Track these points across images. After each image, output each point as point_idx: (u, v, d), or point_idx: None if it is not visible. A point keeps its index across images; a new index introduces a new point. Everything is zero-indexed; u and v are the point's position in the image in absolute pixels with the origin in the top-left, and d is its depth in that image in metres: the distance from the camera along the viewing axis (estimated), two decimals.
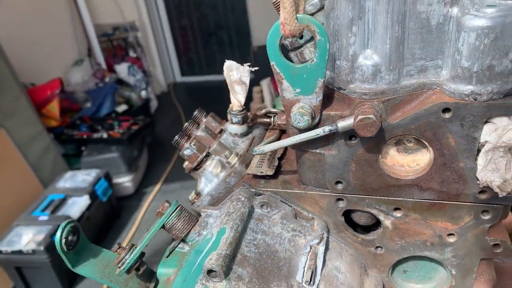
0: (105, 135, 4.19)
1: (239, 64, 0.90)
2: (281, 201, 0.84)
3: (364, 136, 0.69)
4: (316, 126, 0.75)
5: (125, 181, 4.13)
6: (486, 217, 0.76)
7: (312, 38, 0.71)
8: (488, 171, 0.70)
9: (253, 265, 0.72)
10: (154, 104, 6.00)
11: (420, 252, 0.83)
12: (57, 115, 4.09)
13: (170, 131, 5.63)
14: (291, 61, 0.73)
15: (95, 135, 4.20)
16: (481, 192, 0.74)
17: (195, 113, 1.02)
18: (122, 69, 5.53)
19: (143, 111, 5.27)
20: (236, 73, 0.88)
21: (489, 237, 0.78)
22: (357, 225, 0.88)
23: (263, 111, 1.07)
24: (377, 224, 0.85)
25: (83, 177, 3.54)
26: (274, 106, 1.76)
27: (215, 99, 6.40)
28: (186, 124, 1.00)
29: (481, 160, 0.70)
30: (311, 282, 0.74)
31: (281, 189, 0.84)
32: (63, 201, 3.17)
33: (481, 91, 0.66)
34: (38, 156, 3.54)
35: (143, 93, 5.63)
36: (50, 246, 2.68)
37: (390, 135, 0.73)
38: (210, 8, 6.41)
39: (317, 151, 0.78)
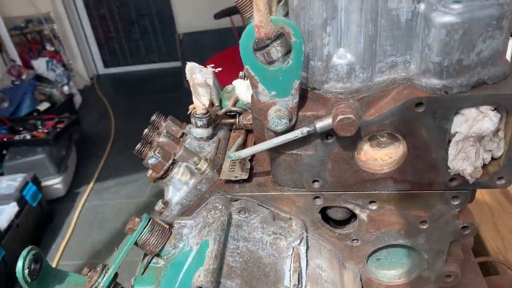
0: (28, 136, 3.92)
1: (201, 66, 0.86)
2: (258, 204, 0.82)
3: (343, 136, 0.69)
4: (292, 128, 0.74)
5: (55, 183, 3.92)
6: (456, 202, 0.80)
7: (278, 37, 0.69)
8: (459, 160, 0.73)
9: (240, 276, 0.71)
10: (78, 99, 5.69)
11: (395, 241, 0.86)
12: None
13: (97, 126, 5.40)
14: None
15: (17, 137, 3.92)
16: (452, 179, 0.77)
17: (153, 118, 0.97)
18: (40, 64, 5.17)
19: (67, 108, 4.99)
20: (200, 76, 0.85)
21: (458, 220, 0.82)
22: (330, 219, 0.89)
23: (223, 110, 1.04)
24: (351, 217, 0.87)
25: (8, 183, 3.30)
26: (220, 101, 1.72)
27: (142, 90, 6.24)
28: (145, 130, 0.94)
29: (452, 150, 0.73)
30: (299, 285, 0.74)
31: (257, 193, 0.83)
32: None
33: (452, 85, 0.68)
34: None
35: (65, 88, 5.32)
36: None
37: (366, 132, 0.73)
38: None
39: (294, 152, 0.77)
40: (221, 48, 4.46)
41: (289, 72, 0.68)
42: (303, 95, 0.74)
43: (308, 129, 0.72)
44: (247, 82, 1.27)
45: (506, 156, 0.74)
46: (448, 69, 0.67)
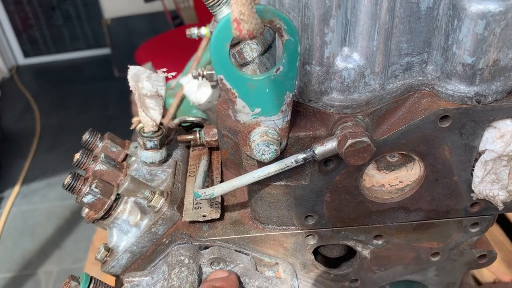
0: None
1: (148, 71, 0.64)
2: (235, 251, 0.63)
3: (354, 164, 0.52)
4: (282, 154, 0.55)
5: None
6: (475, 229, 0.66)
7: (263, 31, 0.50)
8: (488, 183, 0.59)
9: None
10: None
11: (401, 277, 0.71)
12: None
13: (20, 123, 4.94)
14: None
15: None
16: (473, 204, 0.63)
17: (86, 137, 0.74)
18: None
19: None
20: (149, 85, 0.63)
21: (475, 249, 0.68)
22: (319, 254, 0.72)
23: (176, 120, 0.83)
24: (348, 252, 0.71)
25: None
26: (164, 105, 1.49)
27: (69, 80, 5.78)
28: (77, 156, 0.72)
29: (479, 171, 0.59)
30: None
31: (233, 235, 0.64)
32: None
33: (486, 92, 0.53)
34: None
35: None
36: None
37: (376, 155, 0.57)
38: None
39: (282, 183, 0.59)
40: (153, 34, 4.18)
41: (279, 83, 0.50)
42: (294, 110, 0.56)
43: (304, 156, 0.54)
44: (199, 81, 1.06)
45: None
46: (482, 72, 0.52)
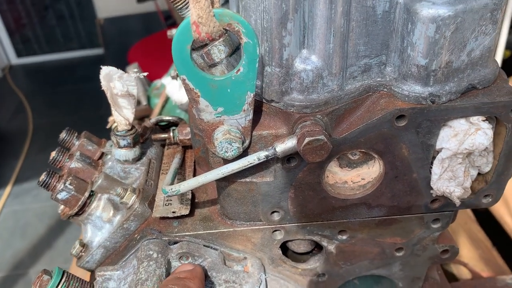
0: None
1: (120, 71, 0.66)
2: (204, 246, 0.66)
3: (312, 161, 0.54)
4: (246, 152, 0.58)
5: None
6: (437, 225, 0.68)
7: (223, 33, 0.53)
8: (445, 180, 0.61)
9: None
10: None
11: (367, 272, 0.73)
12: None
13: (13, 122, 4.93)
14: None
15: None
16: (433, 201, 0.65)
17: (63, 136, 0.76)
18: None
19: None
20: (120, 84, 0.65)
21: (438, 244, 0.71)
22: (288, 249, 0.74)
23: (153, 120, 0.85)
24: (315, 247, 0.73)
25: None
26: (149, 101, 1.51)
27: (62, 80, 5.77)
28: (53, 154, 0.74)
29: (436, 168, 0.61)
30: None
31: (202, 231, 0.66)
32: None
33: (439, 92, 0.55)
34: None
35: None
36: None
37: (336, 153, 0.59)
38: None
39: (247, 179, 0.61)
40: (146, 34, 4.19)
41: (240, 83, 0.52)
42: (258, 109, 0.58)
43: (266, 153, 0.56)
44: (178, 81, 1.08)
45: (495, 171, 0.63)
46: (435, 73, 0.54)
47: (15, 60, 6.13)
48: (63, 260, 2.96)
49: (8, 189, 3.92)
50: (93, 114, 4.39)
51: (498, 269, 1.39)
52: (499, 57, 1.91)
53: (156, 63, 3.27)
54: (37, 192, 3.83)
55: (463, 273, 1.38)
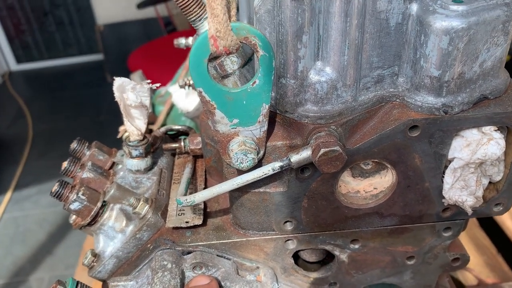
0: None
1: (133, 82, 0.67)
2: (217, 256, 0.66)
3: (327, 172, 0.55)
4: (260, 162, 0.58)
5: None
6: (448, 233, 0.69)
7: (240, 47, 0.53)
8: (457, 189, 0.62)
9: None
10: None
11: (378, 280, 0.73)
12: None
13: (13, 129, 4.92)
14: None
15: None
16: (445, 209, 0.65)
17: (74, 146, 0.77)
18: None
19: None
20: (133, 96, 0.66)
21: (448, 252, 0.71)
22: (299, 258, 0.75)
23: (162, 129, 0.85)
24: (327, 256, 0.73)
25: None
26: (153, 108, 1.51)
27: (62, 86, 5.77)
28: (65, 164, 0.74)
29: (448, 178, 0.61)
30: None
31: (215, 240, 0.66)
32: None
33: (452, 103, 0.56)
34: None
35: None
36: None
37: (350, 163, 0.59)
38: None
39: (261, 190, 0.61)
40: (146, 40, 4.20)
41: (256, 95, 0.52)
42: (272, 120, 0.59)
43: (281, 164, 0.56)
44: (186, 90, 1.09)
45: (507, 180, 0.63)
46: (448, 84, 0.55)
47: (14, 66, 6.14)
48: (64, 267, 2.95)
49: (8, 195, 3.92)
50: (92, 120, 4.39)
51: (503, 276, 1.40)
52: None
53: (157, 69, 3.28)
54: (37, 198, 3.83)
55: (468, 279, 1.38)
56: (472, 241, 1.51)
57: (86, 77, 5.73)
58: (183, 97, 1.21)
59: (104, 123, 4.25)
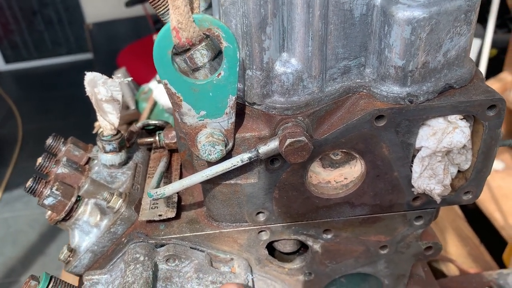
0: None
1: (105, 76, 0.67)
2: (191, 248, 0.66)
3: (294, 162, 0.55)
4: (229, 154, 0.59)
5: None
6: (419, 222, 0.70)
7: (203, 38, 0.54)
8: (425, 178, 0.63)
9: None
10: None
11: (352, 270, 0.74)
12: None
13: (2, 129, 4.90)
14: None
15: None
16: (415, 199, 0.66)
17: (49, 141, 0.77)
18: None
19: None
20: (104, 90, 0.66)
21: (421, 241, 0.72)
22: (274, 250, 0.75)
23: (139, 124, 0.86)
24: (301, 247, 0.74)
25: None
26: (137, 105, 1.52)
27: (51, 86, 5.74)
28: (39, 160, 0.74)
29: (416, 167, 0.62)
30: None
31: (189, 233, 0.67)
32: None
33: (417, 92, 0.57)
34: None
35: None
36: None
37: (318, 153, 0.60)
38: None
39: (232, 181, 0.62)
40: (135, 38, 4.19)
41: (221, 86, 0.53)
42: (241, 111, 0.59)
43: (249, 155, 0.57)
44: None
45: (474, 168, 0.64)
46: (413, 74, 0.55)
47: (3, 66, 6.10)
48: (55, 266, 2.94)
49: None
50: (83, 120, 4.36)
51: (486, 265, 1.42)
52: (485, 56, 1.94)
53: (145, 67, 3.27)
54: (27, 199, 3.80)
55: (451, 270, 1.40)
56: (455, 232, 1.53)
57: (76, 76, 5.66)
58: (163, 93, 1.21)
59: (94, 123, 4.23)
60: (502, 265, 1.54)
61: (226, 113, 0.55)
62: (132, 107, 1.51)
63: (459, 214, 1.63)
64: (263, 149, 0.56)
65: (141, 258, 0.62)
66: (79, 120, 4.37)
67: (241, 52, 0.54)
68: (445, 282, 1.12)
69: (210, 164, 0.58)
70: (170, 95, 0.53)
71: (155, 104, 1.47)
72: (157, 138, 0.77)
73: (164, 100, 1.22)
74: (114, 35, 5.27)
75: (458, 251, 1.48)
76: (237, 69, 0.52)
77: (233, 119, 0.56)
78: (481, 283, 1.11)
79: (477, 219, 1.63)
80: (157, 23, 4.48)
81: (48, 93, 5.52)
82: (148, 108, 1.45)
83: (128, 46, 3.96)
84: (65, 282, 0.65)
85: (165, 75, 0.51)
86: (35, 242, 3.31)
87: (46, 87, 5.64)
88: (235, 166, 0.57)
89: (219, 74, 0.52)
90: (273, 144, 0.56)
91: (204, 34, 0.50)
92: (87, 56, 5.82)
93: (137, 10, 4.38)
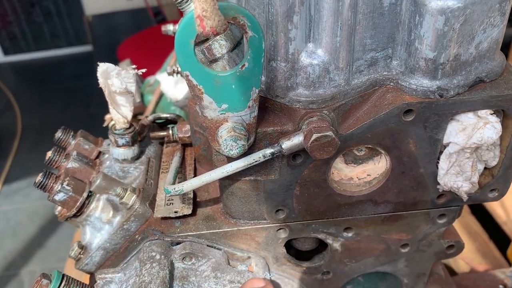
0: None
1: (118, 67, 0.64)
2: (207, 246, 0.64)
3: (320, 158, 0.53)
4: (251, 149, 0.56)
5: None
6: (443, 220, 0.68)
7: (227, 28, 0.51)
8: (452, 175, 0.60)
9: None
10: None
11: (372, 269, 0.72)
12: None
13: (1, 121, 4.86)
14: None
15: None
16: (440, 196, 0.64)
17: (59, 135, 0.74)
18: None
19: None
20: (118, 81, 0.63)
21: (443, 240, 0.70)
22: (291, 247, 0.73)
23: (150, 117, 0.83)
24: (319, 245, 0.72)
25: None
26: (142, 98, 1.48)
27: (50, 78, 5.70)
28: (49, 154, 0.71)
29: (443, 163, 0.60)
30: None
31: (205, 230, 0.64)
32: None
33: (448, 86, 0.54)
34: None
35: None
36: None
37: (343, 149, 0.58)
38: None
39: (252, 178, 0.60)
40: (135, 30, 4.14)
41: (245, 79, 0.50)
42: (262, 105, 0.57)
43: (272, 150, 0.54)
44: (175, 77, 1.06)
45: (502, 165, 0.62)
46: (444, 66, 0.53)
47: (2, 58, 6.04)
48: (55, 260, 2.92)
49: None
50: (82, 112, 4.33)
51: (495, 262, 1.40)
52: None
53: (147, 59, 3.23)
54: (27, 192, 3.78)
55: (461, 266, 1.38)
56: (464, 228, 1.51)
57: (75, 68, 5.65)
58: (172, 86, 1.18)
59: (95, 115, 4.19)
60: (507, 261, 1.52)
61: (249, 107, 0.53)
62: (137, 99, 1.47)
63: (466, 209, 1.61)
64: (287, 144, 0.54)
65: (157, 257, 0.60)
66: (79, 113, 4.34)
67: (266, 43, 0.52)
68: (458, 280, 1.11)
69: (230, 159, 0.56)
70: (191, 87, 0.50)
71: (161, 96, 1.44)
72: (170, 132, 0.75)
73: (172, 93, 1.19)
74: (114, 27, 5.22)
75: (467, 247, 1.46)
76: (262, 61, 0.50)
77: (255, 113, 0.53)
78: (494, 281, 1.10)
79: (480, 215, 1.60)
80: (158, 15, 4.44)
81: (47, 85, 5.48)
82: (153, 101, 1.42)
83: (128, 38, 3.92)
84: (78, 281, 0.62)
85: (186, 66, 0.49)
86: (35, 235, 3.29)
87: (45, 79, 5.60)
88: (257, 162, 0.55)
89: (243, 65, 0.49)
90: (297, 139, 0.53)
91: (229, 23, 0.47)
92: (87, 48, 5.77)
93: (138, 2, 4.34)
